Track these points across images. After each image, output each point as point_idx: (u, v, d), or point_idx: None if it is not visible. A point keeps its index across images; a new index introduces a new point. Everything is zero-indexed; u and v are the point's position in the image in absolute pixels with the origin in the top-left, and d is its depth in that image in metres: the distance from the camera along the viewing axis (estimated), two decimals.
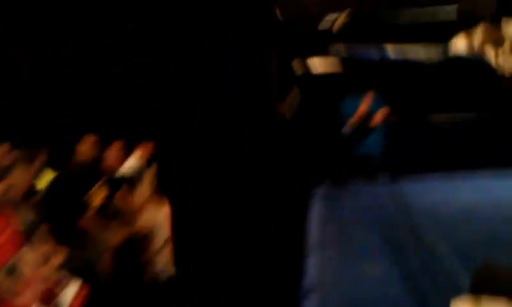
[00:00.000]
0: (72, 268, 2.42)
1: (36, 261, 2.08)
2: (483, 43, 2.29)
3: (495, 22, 2.14)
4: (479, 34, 2.34)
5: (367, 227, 3.20)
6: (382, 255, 2.71)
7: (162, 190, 3.85)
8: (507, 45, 2.47)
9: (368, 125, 4.54)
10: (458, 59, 4.43)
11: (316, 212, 3.56)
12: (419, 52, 4.90)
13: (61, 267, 2.31)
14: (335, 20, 3.62)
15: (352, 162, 4.51)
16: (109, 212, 3.35)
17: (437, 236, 3.03)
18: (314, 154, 4.75)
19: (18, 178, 2.46)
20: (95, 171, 3.53)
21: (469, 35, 2.37)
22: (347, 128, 4.53)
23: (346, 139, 4.56)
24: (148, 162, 3.87)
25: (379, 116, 4.58)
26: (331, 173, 4.40)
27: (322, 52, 4.55)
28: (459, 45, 2.37)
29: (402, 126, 4.60)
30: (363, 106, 4.60)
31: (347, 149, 4.54)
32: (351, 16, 3.62)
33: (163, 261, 3.68)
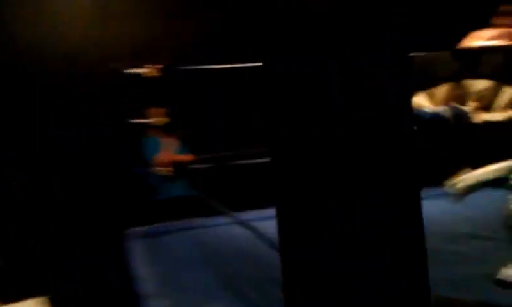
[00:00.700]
0: None
1: None
2: (446, 100, 2.45)
3: (457, 81, 2.37)
4: (441, 91, 2.52)
5: (198, 266, 3.00)
6: (221, 295, 2.50)
7: None
8: (470, 102, 2.57)
9: (174, 170, 4.25)
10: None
11: (137, 256, 3.31)
12: None
13: None
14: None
15: (159, 206, 4.26)
16: None
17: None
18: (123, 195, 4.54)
19: None
20: None
21: (430, 93, 2.55)
22: (150, 172, 4.27)
23: (149, 182, 4.34)
24: None
25: (184, 161, 4.34)
26: (142, 215, 4.14)
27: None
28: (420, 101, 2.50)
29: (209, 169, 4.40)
30: (166, 151, 4.32)
31: (151, 193, 4.34)
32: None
33: None
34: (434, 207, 3.45)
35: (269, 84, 1.09)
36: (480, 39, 4.26)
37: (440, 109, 2.20)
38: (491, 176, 2.83)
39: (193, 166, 4.35)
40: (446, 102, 2.44)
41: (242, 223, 3.80)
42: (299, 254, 0.97)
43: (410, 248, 0.98)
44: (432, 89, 2.53)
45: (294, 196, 1.01)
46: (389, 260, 0.95)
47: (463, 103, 2.79)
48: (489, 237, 3.01)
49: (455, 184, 2.93)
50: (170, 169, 4.28)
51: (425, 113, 2.21)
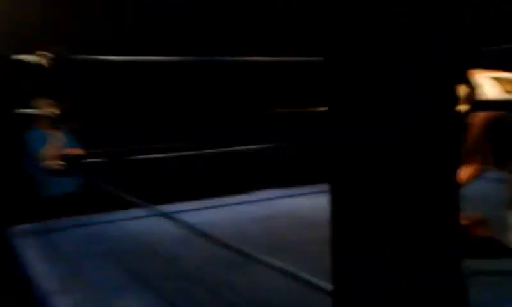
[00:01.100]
0: None
1: None
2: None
3: None
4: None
5: (95, 262, 2.96)
6: (125, 290, 2.49)
7: None
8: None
9: (63, 164, 4.16)
10: None
11: (28, 254, 3.23)
12: None
13: None
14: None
15: (46, 202, 4.17)
16: None
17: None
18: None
19: None
20: None
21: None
22: (37, 166, 4.11)
23: (37, 177, 4.16)
24: None
25: (73, 155, 4.20)
26: (27, 212, 4.02)
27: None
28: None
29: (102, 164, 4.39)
30: (53, 145, 4.18)
31: (37, 188, 4.15)
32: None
33: None
34: None
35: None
36: None
37: None
38: None
39: (86, 161, 4.17)
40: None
41: (139, 218, 3.75)
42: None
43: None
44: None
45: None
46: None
47: None
48: None
49: None
50: (59, 163, 4.06)
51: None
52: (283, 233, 3.42)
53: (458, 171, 0.95)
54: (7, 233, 3.66)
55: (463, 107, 2.13)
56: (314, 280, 1.70)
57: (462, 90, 2.18)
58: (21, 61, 3.52)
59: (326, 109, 1.18)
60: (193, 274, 2.72)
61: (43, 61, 3.51)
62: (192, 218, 3.60)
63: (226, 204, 4.33)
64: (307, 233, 3.37)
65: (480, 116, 2.58)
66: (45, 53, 3.49)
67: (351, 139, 1.04)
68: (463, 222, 2.40)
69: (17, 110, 3.79)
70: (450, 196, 0.96)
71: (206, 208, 4.13)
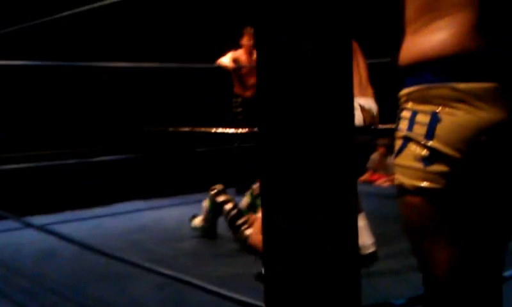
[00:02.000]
0: None
1: None
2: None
3: None
4: None
5: None
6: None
7: None
8: None
9: None
10: None
11: None
12: None
13: None
14: None
15: None
16: None
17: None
18: None
19: None
20: None
21: None
22: None
23: None
24: None
25: None
26: None
27: None
28: None
29: None
30: None
31: None
32: None
33: None
34: None
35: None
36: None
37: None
38: None
39: None
40: None
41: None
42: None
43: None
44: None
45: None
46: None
47: None
48: None
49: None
50: None
51: None
52: (150, 246, 3.49)
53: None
54: None
55: None
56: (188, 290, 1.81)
57: None
58: None
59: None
60: (60, 289, 2.69)
61: None
62: (57, 230, 3.51)
63: (91, 217, 4.27)
64: (175, 245, 3.49)
65: None
66: None
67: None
68: None
69: None
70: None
71: (70, 220, 4.03)
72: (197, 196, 4.85)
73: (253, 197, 3.45)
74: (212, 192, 3.47)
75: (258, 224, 3.09)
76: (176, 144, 5.55)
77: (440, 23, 0.91)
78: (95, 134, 5.18)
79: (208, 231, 3.61)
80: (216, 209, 3.44)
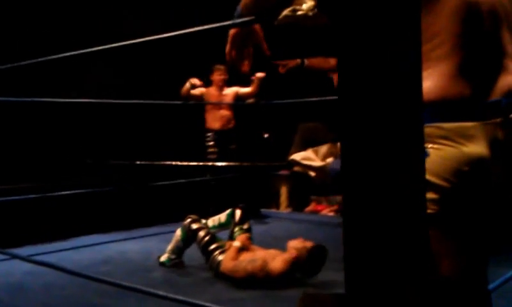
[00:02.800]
0: None
1: None
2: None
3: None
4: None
5: None
6: None
7: None
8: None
9: None
10: None
11: None
12: None
13: None
14: None
15: None
16: None
17: None
18: None
19: None
20: None
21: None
22: None
23: None
24: None
25: None
26: None
27: None
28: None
29: None
30: None
31: None
32: None
33: None
34: None
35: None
36: None
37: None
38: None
39: None
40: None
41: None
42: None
43: None
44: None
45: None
46: None
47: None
48: None
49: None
50: None
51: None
52: (119, 278, 3.50)
53: None
54: None
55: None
56: None
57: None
58: None
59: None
60: None
61: None
62: (22, 266, 3.48)
63: (54, 251, 4.23)
64: (145, 275, 3.52)
65: None
66: None
67: None
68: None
69: None
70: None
71: (33, 254, 3.98)
72: (159, 228, 4.92)
73: (234, 225, 3.57)
74: (187, 221, 3.57)
75: (231, 251, 3.21)
76: (145, 177, 5.56)
77: (425, 73, 1.05)
78: (54, 168, 5.13)
79: (176, 261, 3.68)
80: (188, 238, 3.55)
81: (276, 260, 3.02)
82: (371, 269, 0.62)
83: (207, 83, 5.57)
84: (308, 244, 3.08)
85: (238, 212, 3.57)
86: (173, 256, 3.68)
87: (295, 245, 3.08)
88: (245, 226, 3.53)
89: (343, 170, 0.64)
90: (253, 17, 1.29)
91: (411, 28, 0.64)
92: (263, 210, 6.09)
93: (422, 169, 0.64)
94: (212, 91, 5.59)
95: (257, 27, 1.35)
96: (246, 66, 1.40)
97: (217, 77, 5.57)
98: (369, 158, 0.62)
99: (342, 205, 0.64)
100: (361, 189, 0.62)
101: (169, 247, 3.71)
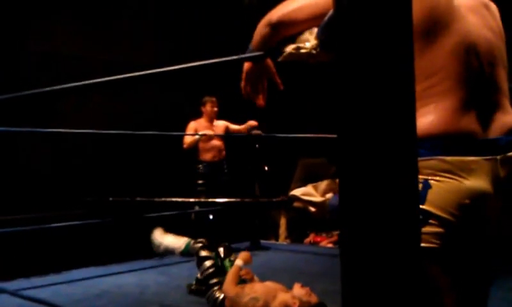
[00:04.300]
0: None
1: None
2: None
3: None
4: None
5: None
6: None
7: None
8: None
9: None
10: None
11: None
12: None
13: None
14: None
15: None
16: None
17: None
18: None
19: None
20: None
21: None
22: None
23: None
24: None
25: None
26: None
27: None
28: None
29: None
30: None
31: None
32: None
33: None
34: None
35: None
36: None
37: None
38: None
39: None
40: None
41: None
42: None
43: None
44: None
45: None
46: None
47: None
48: None
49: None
50: None
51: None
52: None
53: None
54: None
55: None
56: None
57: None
58: None
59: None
60: None
61: None
62: (13, 301, 3.38)
63: (47, 284, 4.11)
64: None
65: None
66: None
67: None
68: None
69: None
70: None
71: (25, 288, 3.87)
72: (157, 261, 4.80)
73: (221, 260, 3.47)
74: (198, 245, 3.47)
75: (233, 272, 3.10)
76: (141, 209, 5.50)
77: (428, 108, 1.08)
78: (47, 200, 5.06)
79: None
80: (186, 255, 3.50)
81: (278, 302, 2.88)
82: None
83: (197, 114, 5.58)
84: (313, 299, 2.91)
85: (221, 249, 3.49)
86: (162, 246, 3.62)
87: (300, 294, 2.92)
88: (232, 258, 3.44)
89: (340, 206, 0.65)
90: (261, 53, 1.35)
91: (406, 66, 0.65)
92: (263, 242, 6.00)
93: (416, 205, 0.65)
94: (203, 122, 5.58)
95: (270, 62, 1.42)
96: (261, 100, 1.46)
97: (209, 108, 5.57)
98: (364, 195, 0.64)
99: (339, 240, 0.69)
100: (357, 225, 0.63)
101: (167, 242, 3.63)
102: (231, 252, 3.50)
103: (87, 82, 2.09)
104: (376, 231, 0.62)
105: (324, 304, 2.92)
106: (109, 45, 5.97)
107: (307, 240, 6.46)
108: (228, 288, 3.04)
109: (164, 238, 3.65)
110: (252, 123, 5.50)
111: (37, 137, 5.08)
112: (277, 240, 6.77)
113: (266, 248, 5.80)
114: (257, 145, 5.73)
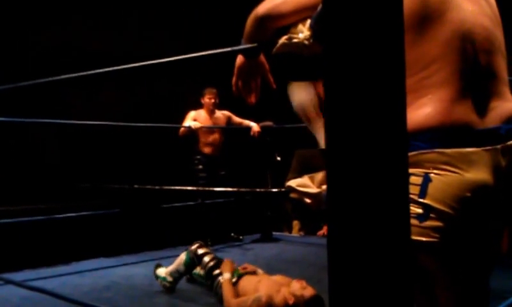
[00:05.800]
0: None
1: None
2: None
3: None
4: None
5: None
6: None
7: None
8: None
9: None
10: None
11: None
12: None
13: None
14: None
15: None
16: None
17: None
18: None
19: None
20: None
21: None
22: None
23: None
24: None
25: None
26: None
27: None
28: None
29: None
30: None
31: None
32: None
33: None
34: None
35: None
36: None
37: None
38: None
39: None
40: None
41: None
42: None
43: None
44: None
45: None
46: None
47: None
48: None
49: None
50: None
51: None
52: (122, 304, 3.37)
53: None
54: None
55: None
56: None
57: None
58: None
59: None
60: None
61: None
62: (20, 292, 3.35)
63: (55, 275, 4.10)
64: (148, 301, 3.38)
65: None
66: None
67: None
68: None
69: None
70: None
71: (33, 279, 3.85)
72: (162, 253, 4.77)
73: (189, 257, 3.48)
74: (194, 246, 3.52)
75: (226, 288, 3.08)
76: (141, 201, 5.47)
77: (424, 100, 1.05)
78: (57, 191, 5.05)
79: (168, 285, 3.55)
80: (192, 264, 3.47)
81: (281, 298, 2.82)
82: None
83: (197, 105, 5.50)
84: (308, 292, 2.84)
85: (194, 245, 3.51)
86: (169, 279, 3.55)
87: (295, 290, 2.85)
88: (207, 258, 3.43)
89: (328, 198, 0.64)
90: (254, 45, 1.33)
91: (396, 58, 0.63)
92: (275, 233, 5.93)
93: (406, 200, 0.63)
94: (203, 113, 5.49)
95: (263, 59, 1.39)
96: (252, 98, 1.43)
97: (207, 100, 5.48)
98: (352, 188, 0.62)
99: (327, 234, 0.63)
100: (345, 220, 0.62)
101: (170, 268, 3.58)
102: (204, 255, 3.48)
103: (92, 72, 2.04)
104: (365, 226, 0.61)
105: (319, 296, 2.85)
106: (120, 38, 5.93)
107: (320, 232, 6.37)
108: (229, 303, 3.01)
109: (167, 269, 3.64)
110: (256, 129, 5.46)
111: (47, 128, 5.07)
112: (290, 232, 6.70)
113: (277, 240, 5.75)
114: (268, 138, 5.65)
